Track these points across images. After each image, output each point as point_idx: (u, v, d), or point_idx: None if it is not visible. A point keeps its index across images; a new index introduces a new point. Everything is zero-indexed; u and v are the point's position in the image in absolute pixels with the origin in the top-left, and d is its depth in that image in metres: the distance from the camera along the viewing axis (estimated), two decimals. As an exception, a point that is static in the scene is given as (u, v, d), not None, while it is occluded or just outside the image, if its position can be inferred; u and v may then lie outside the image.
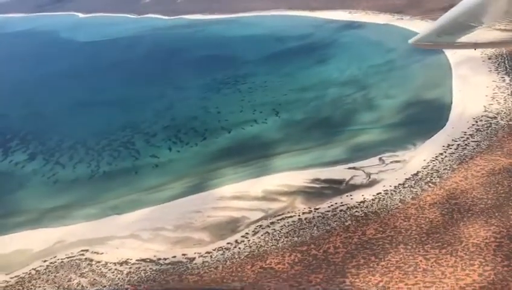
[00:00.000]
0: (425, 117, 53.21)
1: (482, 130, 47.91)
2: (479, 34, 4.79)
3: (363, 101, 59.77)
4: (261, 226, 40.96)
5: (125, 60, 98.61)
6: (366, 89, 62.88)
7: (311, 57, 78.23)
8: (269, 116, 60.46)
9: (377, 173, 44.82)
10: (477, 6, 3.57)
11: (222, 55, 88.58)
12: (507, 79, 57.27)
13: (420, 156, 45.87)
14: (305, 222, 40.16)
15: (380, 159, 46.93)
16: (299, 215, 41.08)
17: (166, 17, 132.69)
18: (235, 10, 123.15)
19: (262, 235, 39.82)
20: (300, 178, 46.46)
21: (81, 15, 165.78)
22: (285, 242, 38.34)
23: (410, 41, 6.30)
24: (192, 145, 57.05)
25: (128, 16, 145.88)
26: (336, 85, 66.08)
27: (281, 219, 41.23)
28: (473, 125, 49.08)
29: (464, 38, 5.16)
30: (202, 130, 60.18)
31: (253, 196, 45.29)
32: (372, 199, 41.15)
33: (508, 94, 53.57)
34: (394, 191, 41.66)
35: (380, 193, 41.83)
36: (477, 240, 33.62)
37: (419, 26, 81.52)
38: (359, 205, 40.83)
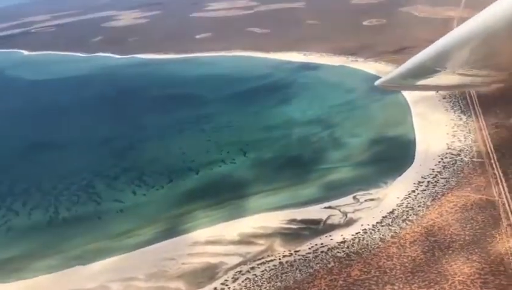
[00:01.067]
0: (393, 155, 54.31)
1: (448, 167, 49.35)
2: (442, 78, 4.90)
3: (330, 140, 60.36)
4: (240, 271, 39.24)
5: (78, 99, 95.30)
6: (331, 128, 63.72)
7: (273, 96, 78.87)
8: (237, 156, 59.55)
9: (353, 212, 44.65)
10: (442, 53, 3.63)
11: (182, 94, 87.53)
12: (463, 118, 59.97)
13: (393, 194, 46.33)
14: (286, 265, 38.92)
15: (355, 197, 46.95)
16: (279, 259, 39.80)
17: (118, 56, 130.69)
18: (189, 50, 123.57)
19: (243, 281, 38.09)
20: (276, 219, 45.44)
21: (26, 52, 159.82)
22: (268, 288, 36.84)
23: (376, 83, 6.44)
24: (158, 188, 54.81)
25: (78, 54, 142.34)
26: (301, 124, 66.58)
27: (261, 264, 39.75)
28: (439, 162, 50.51)
29: (427, 82, 5.27)
30: (167, 172, 58.13)
31: (229, 239, 43.61)
32: (352, 239, 40.72)
33: (467, 132, 55.93)
34: (373, 230, 41.51)
35: (359, 232, 41.52)
36: (462, 277, 33.77)
37: (374, 68, 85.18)
38: (340, 245, 40.24)
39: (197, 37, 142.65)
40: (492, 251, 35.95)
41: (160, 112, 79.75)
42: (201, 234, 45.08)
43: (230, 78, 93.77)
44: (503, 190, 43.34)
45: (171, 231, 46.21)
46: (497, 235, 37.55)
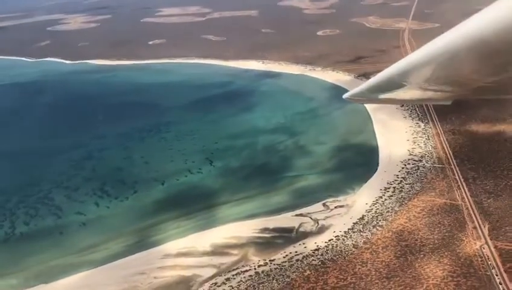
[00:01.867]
0: (357, 161, 55.52)
1: (411, 172, 51.01)
2: (406, 92, 5.52)
3: (295, 148, 60.84)
4: (216, 283, 38.56)
5: (28, 106, 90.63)
6: (295, 136, 64.27)
7: (234, 105, 78.60)
8: (203, 165, 58.71)
9: (324, 219, 45.12)
10: (408, 68, 4.16)
11: (139, 102, 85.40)
12: (421, 124, 62.33)
13: (361, 200, 47.26)
14: (262, 275, 38.65)
15: (324, 204, 47.49)
16: (255, 269, 39.48)
17: (68, 62, 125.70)
18: (143, 56, 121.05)
19: (219, 293, 37.42)
20: (248, 228, 45.11)
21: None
22: (245, 299, 36.37)
23: (344, 96, 7.04)
24: (122, 199, 52.98)
25: (24, 59, 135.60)
26: (265, 133, 66.71)
27: (236, 274, 39.26)
28: (403, 168, 52.13)
29: (393, 95, 5.85)
30: (131, 183, 56.36)
31: (201, 251, 42.77)
32: (326, 246, 41.10)
33: (426, 138, 58.15)
34: (345, 236, 42.09)
35: (332, 239, 41.98)
36: (435, 280, 34.84)
37: (332, 77, 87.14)
38: (314, 253, 40.48)
39: (150, 43, 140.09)
40: (461, 253, 37.40)
41: (118, 120, 77.35)
42: (172, 246, 43.93)
43: (188, 85, 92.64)
44: (465, 194, 45.32)
45: (140, 244, 44.75)
46: (464, 238, 39.12)
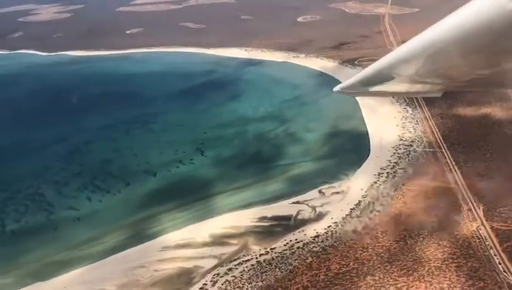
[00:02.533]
0: (349, 147, 55.98)
1: (403, 157, 51.69)
2: (397, 85, 5.78)
3: (286, 136, 60.88)
4: (218, 274, 38.49)
5: (6, 99, 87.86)
6: (285, 124, 64.25)
7: (220, 93, 77.93)
8: (194, 155, 58.20)
9: (321, 206, 45.40)
10: (398, 61, 4.38)
11: (122, 92, 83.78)
12: (409, 110, 63.07)
13: (356, 186, 47.70)
14: (264, 264, 38.74)
15: (320, 191, 47.76)
16: (256, 258, 39.52)
17: (44, 53, 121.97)
18: (121, 46, 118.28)
19: (222, 284, 37.42)
20: (246, 218, 45.06)
21: None
22: (249, 289, 36.44)
23: (334, 89, 7.25)
24: (114, 193, 52.16)
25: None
26: (254, 121, 66.47)
27: (238, 264, 39.24)
28: (395, 153, 52.77)
29: (383, 88, 6.10)
30: (122, 176, 55.51)
31: (200, 242, 42.57)
32: (326, 233, 41.41)
33: (415, 123, 58.93)
34: (344, 222, 42.49)
35: (331, 225, 42.32)
36: (437, 263, 35.57)
37: (316, 64, 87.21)
38: (314, 240, 40.75)
39: (127, 32, 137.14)
40: (459, 235, 38.24)
41: (102, 111, 75.73)
42: (170, 238, 43.58)
43: (171, 74, 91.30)
44: (458, 177, 46.23)
45: (137, 237, 44.24)
46: (460, 221, 39.99)
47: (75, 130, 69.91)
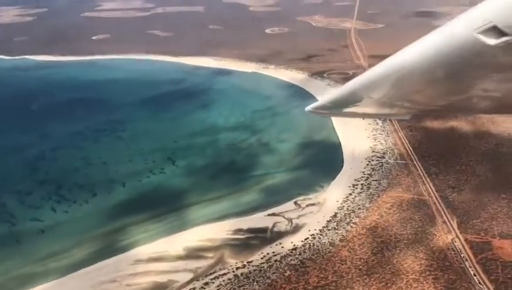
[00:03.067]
0: (322, 158, 56.05)
1: (376, 169, 52.16)
2: (368, 107, 5.97)
3: (259, 146, 60.37)
4: (194, 289, 37.25)
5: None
6: (257, 134, 63.79)
7: (190, 102, 76.74)
8: (165, 165, 56.73)
9: (297, 218, 44.99)
10: (369, 83, 4.60)
11: (89, 99, 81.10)
12: (379, 122, 63.95)
13: (332, 197, 47.64)
14: (242, 278, 37.83)
15: (295, 203, 47.39)
16: (233, 271, 38.56)
17: (6, 57, 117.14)
18: (88, 52, 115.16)
19: (199, 298, 36.18)
20: (221, 230, 44.03)
21: None
22: (227, 303, 35.42)
23: (306, 108, 7.46)
24: (81, 203, 49.97)
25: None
26: (226, 130, 65.69)
27: (214, 278, 38.15)
28: (368, 165, 53.18)
29: (354, 109, 6.27)
30: (89, 185, 53.33)
31: (174, 255, 41.17)
32: (303, 245, 40.96)
33: (386, 135, 59.76)
34: (321, 235, 42.19)
35: (308, 238, 41.92)
36: (414, 275, 35.74)
37: (286, 75, 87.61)
38: (292, 252, 40.21)
39: (94, 38, 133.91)
40: (435, 247, 38.62)
41: (68, 118, 72.96)
42: (142, 251, 41.96)
43: (140, 82, 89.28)
44: (431, 189, 46.97)
45: (107, 250, 42.34)
46: (435, 233, 40.46)
47: (41, 136, 66.93)
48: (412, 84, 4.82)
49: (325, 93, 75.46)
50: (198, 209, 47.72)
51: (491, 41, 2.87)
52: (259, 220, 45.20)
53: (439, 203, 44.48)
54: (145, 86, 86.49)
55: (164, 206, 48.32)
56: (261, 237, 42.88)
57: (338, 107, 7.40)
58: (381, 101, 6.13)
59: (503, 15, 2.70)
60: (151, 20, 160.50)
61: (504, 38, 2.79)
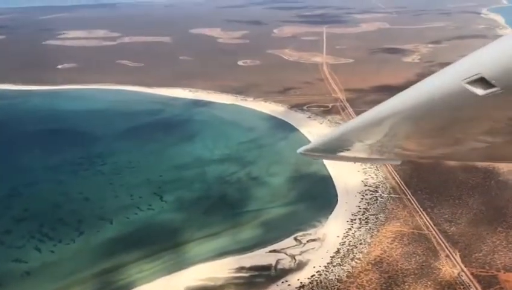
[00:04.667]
0: (316, 193, 55.61)
1: (372, 203, 52.18)
2: (359, 151, 6.38)
3: (249, 180, 59.28)
4: (202, 333, 35.19)
5: None
6: (245, 167, 62.77)
7: (171, 134, 75.16)
8: (153, 201, 54.52)
9: (300, 254, 43.96)
10: (359, 128, 4.97)
11: (62, 130, 77.79)
12: (365, 155, 64.50)
13: (332, 233, 47.01)
14: (252, 319, 36.14)
15: (296, 239, 46.41)
16: (242, 313, 36.84)
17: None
18: (54, 82, 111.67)
19: None
20: (222, 269, 42.29)
21: None
22: None
23: (298, 151, 7.86)
24: (68, 242, 46.92)
25: None
26: (212, 163, 64.33)
27: (222, 321, 36.26)
28: (362, 199, 53.17)
29: (345, 154, 6.67)
30: (74, 222, 50.30)
31: (176, 296, 39.01)
32: (310, 283, 39.92)
33: (375, 169, 60.21)
34: (327, 271, 41.29)
35: (314, 275, 40.92)
36: (429, 312, 35.20)
37: (266, 107, 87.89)
38: (300, 291, 38.99)
39: (59, 67, 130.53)
40: (443, 282, 38.51)
41: (42, 150, 69.58)
42: (141, 293, 39.52)
43: (115, 113, 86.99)
44: (428, 222, 47.30)
45: (102, 293, 39.64)
46: (441, 267, 40.44)
47: (13, 170, 63.13)
48: (403, 132, 4.86)
49: (307, 125, 76.17)
50: (195, 246, 45.81)
51: (479, 91, 2.90)
52: (260, 257, 43.82)
53: (439, 237, 44.74)
54: (121, 117, 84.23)
55: (158, 244, 46.09)
56: (265, 274, 41.46)
57: (329, 150, 7.40)
58: (373, 147, 6.14)
59: (491, 66, 2.72)
60: (118, 49, 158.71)
61: (491, 90, 2.83)
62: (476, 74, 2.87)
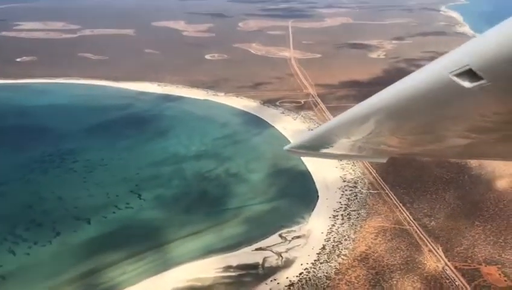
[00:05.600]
0: (296, 189, 55.70)
1: (352, 199, 52.81)
2: (344, 148, 7.02)
3: (228, 177, 58.61)
4: (194, 335, 34.52)
5: None
6: (223, 164, 62.02)
7: (143, 130, 73.29)
8: (130, 199, 53.03)
9: (286, 252, 43.94)
10: (344, 125, 5.49)
11: (27, 127, 74.25)
12: (341, 151, 65.18)
13: (316, 229, 47.24)
14: (244, 319, 35.78)
15: (281, 236, 46.32)
16: (233, 313, 36.40)
17: None
18: (14, 75, 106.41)
19: None
20: (209, 268, 41.69)
21: None
22: None
23: (284, 148, 8.49)
24: (44, 243, 44.92)
25: None
26: (189, 160, 63.22)
27: (214, 322, 35.71)
28: (342, 195, 53.72)
29: (331, 151, 7.33)
30: (49, 223, 48.24)
31: (164, 298, 38.08)
32: (299, 280, 39.97)
33: (352, 165, 60.92)
34: (314, 268, 41.47)
35: (302, 272, 41.01)
36: (418, 306, 35.97)
37: (238, 103, 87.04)
38: (289, 288, 38.96)
39: (18, 60, 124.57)
40: (429, 276, 39.51)
41: (7, 148, 66.22)
42: (126, 295, 38.32)
43: (82, 108, 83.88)
44: (409, 217, 48.33)
45: (85, 297, 38.16)
46: (425, 262, 41.46)
47: (-23, 169, 59.79)
48: (388, 129, 4.86)
49: (281, 121, 76.16)
50: (179, 245, 44.91)
51: (466, 84, 2.93)
52: (247, 255, 43.46)
53: (420, 231, 45.80)
54: (89, 113, 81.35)
55: (139, 244, 44.89)
56: (253, 273, 41.18)
57: (315, 147, 7.35)
58: (358, 144, 6.15)
59: (479, 58, 2.75)
60: (79, 42, 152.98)
61: (479, 82, 2.85)
62: (464, 66, 2.85)
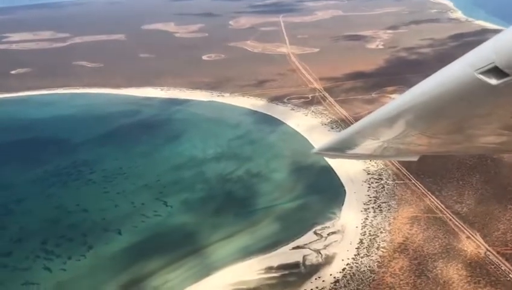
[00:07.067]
0: (321, 185, 55.47)
1: (379, 191, 52.81)
2: (374, 148, 7.10)
3: (251, 178, 58.27)
4: (249, 339, 34.25)
5: None
6: (243, 164, 61.65)
7: (156, 135, 72.60)
8: (157, 206, 52.46)
9: (324, 248, 43.80)
10: (371, 126, 5.57)
11: (36, 140, 73.19)
12: (359, 144, 65.22)
13: (350, 224, 47.15)
14: (297, 319, 35.57)
15: (316, 233, 46.16)
16: (285, 314, 36.17)
17: None
18: (12, 88, 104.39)
19: None
20: (251, 270, 41.39)
21: None
22: None
23: (312, 151, 8.64)
24: (78, 258, 44.24)
25: None
26: (208, 163, 62.74)
27: (267, 324, 35.45)
28: (369, 188, 53.65)
29: (360, 151, 7.38)
30: (79, 237, 47.55)
31: (212, 304, 37.74)
32: (344, 276, 39.83)
33: (372, 157, 60.88)
34: (356, 263, 41.37)
35: (345, 268, 40.88)
36: (468, 293, 36.06)
37: (245, 102, 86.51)
38: (336, 285, 38.89)
39: (13, 72, 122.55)
40: (473, 263, 39.59)
41: (20, 163, 65.12)
42: (173, 304, 37.92)
43: (89, 117, 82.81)
44: (440, 205, 48.41)
45: (132, 309, 37.68)
46: (465, 248, 41.57)
47: (-6, 187, 58.73)
48: (419, 128, 4.84)
49: (293, 117, 75.94)
50: (217, 249, 44.55)
51: (492, 81, 2.91)
52: (286, 255, 43.24)
53: (454, 219, 45.92)
54: (97, 122, 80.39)
55: (175, 251, 44.48)
56: (296, 272, 40.95)
57: (344, 149, 7.35)
58: (388, 144, 6.16)
59: (504, 55, 2.76)
60: (71, 51, 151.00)
61: (505, 79, 2.85)
62: (489, 63, 2.83)
